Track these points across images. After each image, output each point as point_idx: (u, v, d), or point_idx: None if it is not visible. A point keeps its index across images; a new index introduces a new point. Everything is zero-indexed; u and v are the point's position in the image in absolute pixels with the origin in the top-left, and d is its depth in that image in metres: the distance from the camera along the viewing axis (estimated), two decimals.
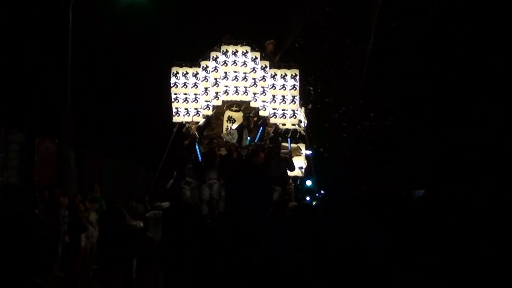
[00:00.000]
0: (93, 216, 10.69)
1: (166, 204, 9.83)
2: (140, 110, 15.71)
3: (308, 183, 12.64)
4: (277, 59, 11.05)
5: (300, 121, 10.98)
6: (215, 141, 10.35)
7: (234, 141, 10.30)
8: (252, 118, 10.75)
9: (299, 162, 11.00)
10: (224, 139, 10.48)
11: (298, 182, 11.51)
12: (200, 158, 9.96)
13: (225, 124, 11.07)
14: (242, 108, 10.87)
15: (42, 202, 9.83)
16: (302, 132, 11.26)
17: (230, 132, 10.51)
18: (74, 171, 13.82)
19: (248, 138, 10.50)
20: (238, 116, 11.02)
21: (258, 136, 10.42)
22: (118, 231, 7.96)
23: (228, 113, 11.07)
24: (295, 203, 9.49)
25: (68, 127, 14.03)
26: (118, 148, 15.56)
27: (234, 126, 10.98)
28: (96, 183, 12.70)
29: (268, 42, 11.04)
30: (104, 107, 15.71)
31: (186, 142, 10.41)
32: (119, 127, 16.01)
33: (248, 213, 3.03)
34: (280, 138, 10.80)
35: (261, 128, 10.51)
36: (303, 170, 11.43)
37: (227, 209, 3.30)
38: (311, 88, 13.12)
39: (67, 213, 10.40)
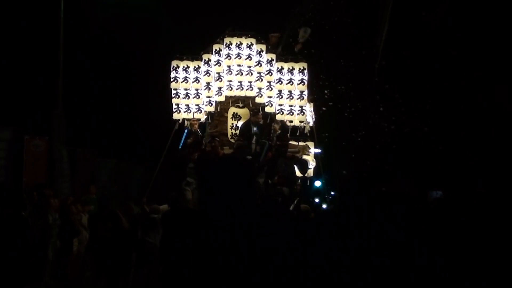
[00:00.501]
0: (86, 219, 10.81)
1: (164, 206, 9.98)
2: (137, 106, 15.78)
3: (317, 183, 12.73)
4: (279, 50, 11.11)
5: (308, 117, 11.09)
6: (217, 139, 10.48)
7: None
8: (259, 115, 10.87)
9: (308, 160, 11.12)
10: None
11: (308, 183, 11.62)
12: None
13: (230, 121, 11.19)
14: (246, 104, 10.98)
15: (30, 204, 9.90)
16: (307, 130, 11.36)
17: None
18: (66, 171, 13.83)
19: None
20: (244, 112, 11.13)
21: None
22: (113, 236, 8.04)
23: (233, 109, 11.18)
24: (307, 206, 9.65)
25: (60, 124, 14.05)
26: (113, 146, 15.64)
27: (240, 123, 11.11)
28: (92, 184, 12.79)
29: (272, 34, 11.12)
30: (98, 102, 15.78)
31: (189, 140, 10.50)
32: (114, 124, 16.09)
33: (227, 213, 2.92)
34: (288, 136, 10.91)
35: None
36: (311, 170, 11.58)
37: (203, 210, 3.19)
38: (321, 83, 13.21)
39: (58, 216, 10.31)
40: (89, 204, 11.46)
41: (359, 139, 14.52)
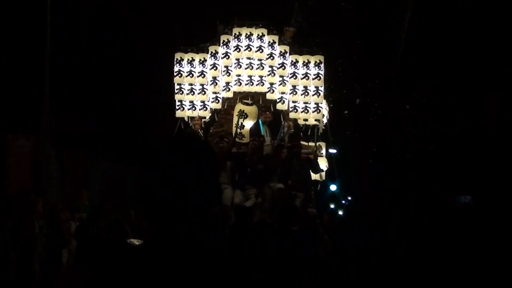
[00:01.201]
0: (75, 227, 10.92)
1: None
2: (134, 102, 15.84)
3: (332, 188, 12.87)
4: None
5: (323, 116, 11.20)
6: (225, 139, 10.64)
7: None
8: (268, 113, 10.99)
9: (321, 164, 11.23)
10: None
11: (318, 188, 11.73)
12: None
13: (236, 119, 11.22)
14: (256, 101, 11.05)
15: (16, 212, 9.95)
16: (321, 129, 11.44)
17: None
18: (54, 174, 13.91)
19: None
20: (251, 110, 11.18)
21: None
22: (118, 250, 8.09)
23: (239, 106, 11.22)
24: (314, 210, 9.80)
25: (47, 122, 14.01)
26: (107, 147, 15.71)
27: (247, 122, 11.21)
28: (84, 189, 12.84)
29: (287, 28, 11.24)
30: (91, 98, 15.84)
31: None
32: (109, 122, 16.15)
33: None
34: (302, 135, 11.07)
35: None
36: (324, 173, 11.69)
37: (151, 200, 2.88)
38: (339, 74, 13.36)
39: (45, 224, 10.24)
40: (80, 211, 11.56)
41: (379, 140, 14.68)
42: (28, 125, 14.13)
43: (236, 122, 11.26)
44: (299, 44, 11.06)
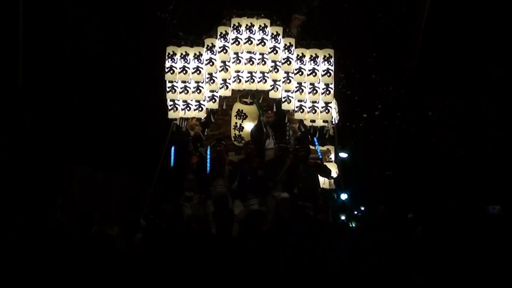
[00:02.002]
0: None
1: None
2: (119, 101, 15.82)
3: (343, 196, 12.94)
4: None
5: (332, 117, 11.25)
6: (223, 142, 10.69)
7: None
8: (270, 113, 11.08)
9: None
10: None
11: (335, 197, 11.80)
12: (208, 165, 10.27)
13: (234, 120, 11.42)
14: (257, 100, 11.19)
15: None
16: (331, 131, 11.53)
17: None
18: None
19: None
20: (251, 110, 11.37)
21: None
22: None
23: (238, 106, 11.42)
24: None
25: (19, 122, 14.07)
26: (87, 151, 15.70)
27: (246, 123, 11.35)
28: (59, 198, 12.84)
29: (296, 15, 11.32)
30: (67, 95, 15.81)
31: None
32: (88, 123, 16.14)
33: None
34: (309, 137, 11.08)
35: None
36: (332, 181, 11.75)
37: None
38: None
39: None
40: None
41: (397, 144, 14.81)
42: None
43: (234, 124, 11.40)
44: (307, 36, 11.14)
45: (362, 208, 13.70)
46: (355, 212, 12.90)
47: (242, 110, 11.39)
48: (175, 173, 10.51)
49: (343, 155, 11.86)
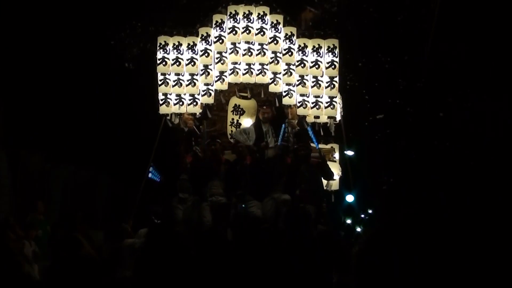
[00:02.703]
0: (29, 248, 11.15)
1: (144, 231, 10.46)
2: (105, 95, 15.91)
3: (349, 198, 13.17)
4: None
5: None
6: (218, 140, 10.93)
7: (251, 143, 10.80)
8: (267, 108, 11.26)
9: (333, 171, 11.41)
10: (235, 139, 10.98)
11: (332, 199, 11.97)
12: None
13: (230, 116, 11.60)
14: (256, 94, 11.33)
15: None
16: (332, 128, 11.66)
17: (244, 131, 10.97)
18: (5, 181, 14.07)
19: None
20: (249, 105, 11.55)
21: (280, 135, 10.90)
22: (69, 266, 8.39)
23: (234, 100, 11.56)
24: (322, 226, 10.12)
25: None
26: (70, 149, 15.84)
27: (243, 119, 11.51)
28: (39, 200, 12.98)
29: (310, 9, 11.46)
30: (50, 89, 15.93)
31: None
32: (72, 118, 16.26)
33: None
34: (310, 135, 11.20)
35: (283, 125, 10.98)
36: (337, 182, 11.96)
37: None
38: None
39: None
40: (35, 227, 11.76)
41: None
42: None
43: (230, 120, 11.59)
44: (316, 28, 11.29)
45: (370, 211, 13.93)
46: (362, 216, 13.12)
47: (239, 105, 11.53)
48: (167, 173, 10.74)
49: (349, 153, 11.99)
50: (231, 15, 10.67)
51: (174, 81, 10.84)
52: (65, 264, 8.25)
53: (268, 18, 10.68)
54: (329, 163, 11.34)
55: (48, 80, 15.77)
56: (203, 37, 10.76)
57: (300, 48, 10.68)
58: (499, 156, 13.31)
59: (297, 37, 10.73)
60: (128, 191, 13.47)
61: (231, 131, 11.47)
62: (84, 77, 15.79)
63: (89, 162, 15.74)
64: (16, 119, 14.99)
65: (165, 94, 10.87)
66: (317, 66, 10.65)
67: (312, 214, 9.90)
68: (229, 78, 10.81)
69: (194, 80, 10.80)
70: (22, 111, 15.34)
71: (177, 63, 10.75)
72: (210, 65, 10.77)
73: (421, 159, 14.96)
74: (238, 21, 10.66)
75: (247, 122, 11.48)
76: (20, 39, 15.13)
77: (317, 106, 10.75)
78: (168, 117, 11.02)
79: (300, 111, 10.81)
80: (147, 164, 11.62)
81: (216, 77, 10.79)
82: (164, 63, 10.78)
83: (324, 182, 11.19)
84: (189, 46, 10.79)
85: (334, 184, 11.93)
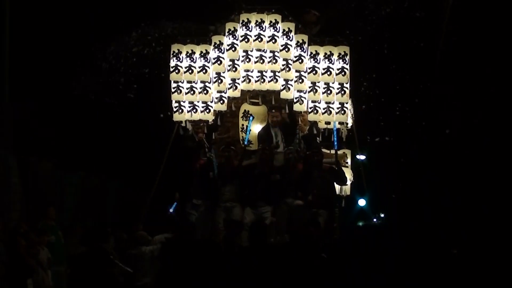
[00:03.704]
0: (44, 254, 11.44)
1: (160, 237, 10.97)
2: (117, 101, 15.98)
3: (361, 203, 13.51)
4: (316, 30, 11.98)
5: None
6: (233, 148, 11.33)
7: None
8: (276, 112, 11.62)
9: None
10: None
11: (343, 204, 12.35)
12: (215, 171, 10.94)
13: (240, 122, 11.96)
14: (267, 101, 11.67)
15: None
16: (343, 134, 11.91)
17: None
18: (15, 188, 14.10)
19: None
20: (258, 111, 11.87)
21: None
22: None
23: (244, 106, 11.90)
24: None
25: (6, 123, 14.41)
26: (81, 155, 15.99)
27: (253, 125, 11.76)
28: (51, 206, 13.14)
29: (312, 11, 11.91)
30: (60, 95, 16.02)
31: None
32: (83, 124, 16.40)
33: None
34: (319, 140, 11.57)
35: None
36: (349, 186, 12.35)
37: None
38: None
39: (5, 250, 10.80)
40: (47, 233, 12.00)
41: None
42: None
43: (241, 126, 11.93)
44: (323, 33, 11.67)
45: (382, 215, 14.31)
46: (374, 220, 13.49)
47: (248, 111, 11.87)
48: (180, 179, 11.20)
49: (361, 157, 12.40)
50: (244, 23, 11.05)
51: (187, 88, 11.19)
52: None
53: (280, 26, 11.04)
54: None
55: (58, 87, 15.96)
56: (216, 45, 11.12)
57: (312, 55, 11.01)
58: None
59: (309, 45, 11.05)
60: (139, 196, 13.81)
61: (242, 136, 11.77)
62: (94, 84, 15.99)
63: (99, 168, 15.90)
64: (27, 125, 15.15)
65: (178, 102, 11.21)
66: (328, 72, 10.97)
67: (325, 218, 10.45)
68: (242, 86, 11.19)
69: (207, 88, 11.16)
70: (33, 118, 15.54)
71: (190, 71, 11.09)
72: (223, 72, 11.11)
73: (432, 162, 15.31)
74: (250, 29, 11.03)
75: (256, 128, 11.79)
76: (32, 45, 15.34)
77: (328, 112, 11.06)
78: (182, 124, 11.36)
79: (311, 117, 11.14)
80: (158, 170, 12.04)
81: (229, 84, 11.16)
82: (177, 70, 11.11)
83: (337, 187, 11.52)
84: (202, 54, 11.13)
85: (346, 189, 12.22)
